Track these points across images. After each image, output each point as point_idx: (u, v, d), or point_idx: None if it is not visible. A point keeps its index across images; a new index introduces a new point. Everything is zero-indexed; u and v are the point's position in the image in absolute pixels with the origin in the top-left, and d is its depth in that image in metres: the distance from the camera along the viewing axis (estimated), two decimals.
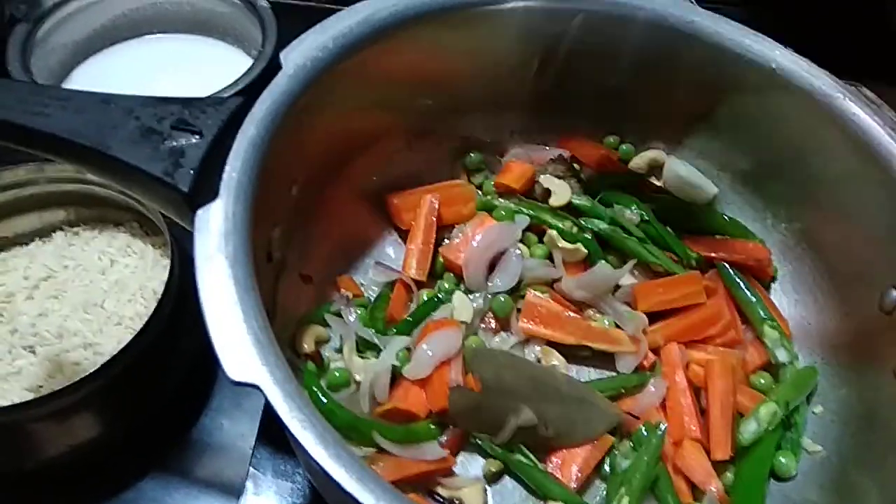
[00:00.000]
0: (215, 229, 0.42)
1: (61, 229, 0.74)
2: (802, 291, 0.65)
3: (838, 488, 0.54)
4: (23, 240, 0.73)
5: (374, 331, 0.61)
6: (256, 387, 0.38)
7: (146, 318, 0.62)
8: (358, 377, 0.58)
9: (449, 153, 0.70)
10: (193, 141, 0.47)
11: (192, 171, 0.46)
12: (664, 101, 0.64)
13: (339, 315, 0.63)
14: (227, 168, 0.45)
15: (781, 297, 0.66)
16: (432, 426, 0.57)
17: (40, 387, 0.65)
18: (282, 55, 0.51)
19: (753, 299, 0.63)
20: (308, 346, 0.59)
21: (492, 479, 0.58)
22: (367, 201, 0.67)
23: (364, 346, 0.62)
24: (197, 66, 0.92)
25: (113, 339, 0.67)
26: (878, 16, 0.84)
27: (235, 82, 0.80)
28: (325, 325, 0.62)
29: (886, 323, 0.54)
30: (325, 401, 0.56)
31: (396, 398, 0.58)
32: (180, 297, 0.65)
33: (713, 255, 0.66)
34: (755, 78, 0.57)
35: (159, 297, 0.63)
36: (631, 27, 0.59)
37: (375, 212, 0.68)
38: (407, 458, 0.54)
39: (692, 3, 0.58)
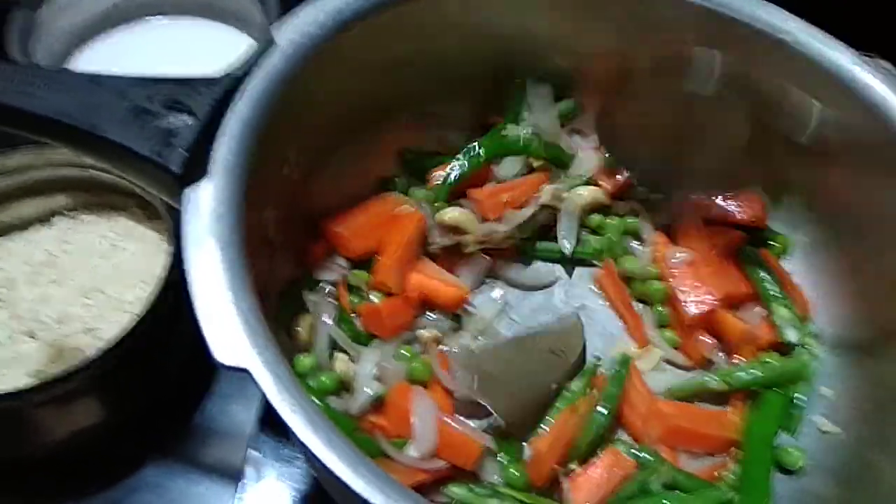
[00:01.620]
0: (205, 210, 0.41)
1: (62, 214, 0.74)
2: (817, 268, 0.63)
3: (851, 472, 0.52)
4: (23, 225, 0.73)
5: (349, 336, 0.59)
6: (246, 370, 0.37)
7: (147, 304, 0.61)
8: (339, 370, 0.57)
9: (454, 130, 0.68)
10: (186, 121, 0.46)
11: (183, 152, 0.45)
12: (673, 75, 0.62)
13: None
14: (217, 147, 0.44)
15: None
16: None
17: (41, 371, 0.64)
18: (274, 32, 0.50)
19: (763, 275, 0.62)
20: (303, 333, 0.58)
21: None
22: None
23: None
24: (199, 49, 0.91)
25: (114, 324, 0.67)
26: None
27: (235, 64, 0.79)
28: None
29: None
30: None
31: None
32: (182, 282, 0.64)
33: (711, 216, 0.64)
34: (770, 49, 0.55)
35: (161, 282, 0.63)
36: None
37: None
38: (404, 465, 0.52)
39: None
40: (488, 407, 0.55)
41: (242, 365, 0.37)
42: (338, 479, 0.35)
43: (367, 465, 0.35)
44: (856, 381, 0.57)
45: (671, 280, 0.62)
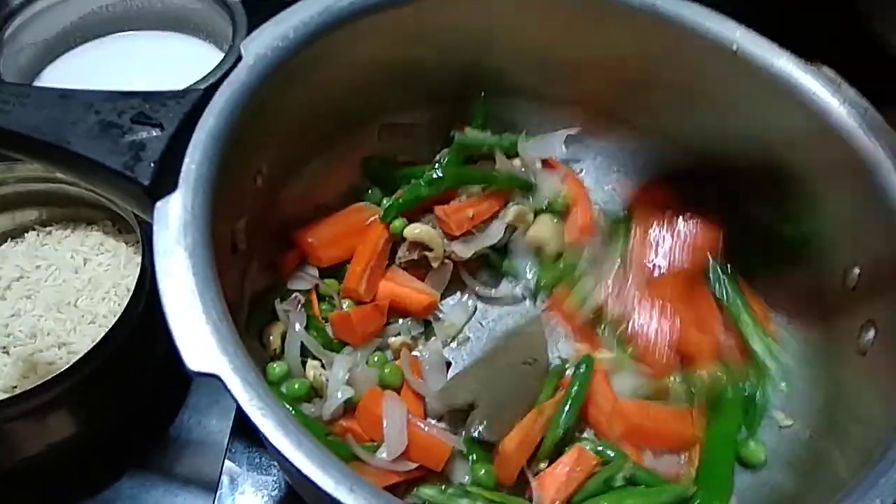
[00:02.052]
0: (174, 221, 0.42)
1: (33, 229, 0.74)
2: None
3: (806, 462, 0.54)
4: None
5: (321, 343, 0.60)
6: (216, 376, 0.38)
7: (119, 316, 0.62)
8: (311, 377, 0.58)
9: (423, 140, 0.70)
10: (154, 134, 0.47)
11: (152, 164, 0.46)
12: (626, 82, 0.64)
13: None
14: (186, 160, 0.45)
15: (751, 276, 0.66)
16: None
17: (14, 387, 0.65)
18: (242, 46, 0.51)
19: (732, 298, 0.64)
20: (274, 341, 0.59)
21: None
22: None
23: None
24: (169, 63, 0.92)
25: (87, 337, 0.67)
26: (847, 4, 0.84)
27: (206, 77, 0.80)
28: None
29: (851, 300, 0.55)
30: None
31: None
32: (153, 294, 0.65)
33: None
34: (717, 58, 0.57)
35: (132, 294, 0.63)
36: (592, 10, 0.59)
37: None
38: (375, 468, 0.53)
39: None
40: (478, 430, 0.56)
41: (213, 371, 0.38)
42: (309, 480, 0.36)
43: (337, 465, 0.36)
44: (808, 375, 0.59)
45: (630, 310, 0.62)
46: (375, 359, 0.60)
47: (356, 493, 0.35)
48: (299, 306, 0.60)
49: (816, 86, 0.55)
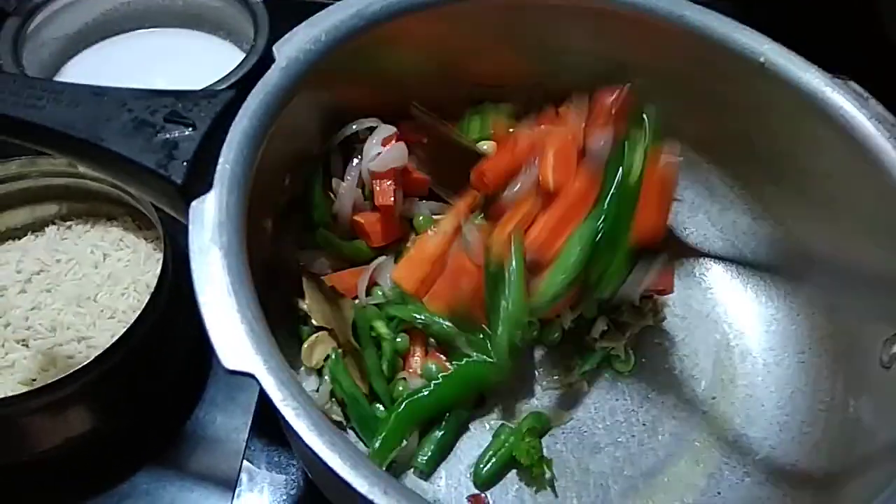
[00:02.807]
0: (209, 220, 0.43)
1: (54, 223, 0.74)
2: (792, 285, 0.65)
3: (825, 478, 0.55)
4: (15, 234, 0.73)
5: None
6: (251, 375, 0.38)
7: (139, 312, 0.62)
8: None
9: None
10: (187, 133, 0.48)
11: (185, 163, 0.46)
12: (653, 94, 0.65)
13: None
14: (221, 159, 0.45)
15: (771, 288, 0.66)
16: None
17: (34, 380, 0.65)
18: (275, 48, 0.51)
19: None
20: (316, 359, 0.59)
21: None
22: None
23: None
24: (189, 61, 0.92)
25: (106, 332, 0.67)
26: (869, 13, 0.85)
27: (227, 76, 0.80)
28: None
29: (873, 313, 0.55)
30: None
31: None
32: (173, 290, 0.65)
33: None
34: (744, 71, 0.58)
35: (152, 290, 0.63)
36: (617, 21, 0.59)
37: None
38: None
39: None
40: None
41: (248, 370, 0.38)
42: (343, 480, 0.36)
43: (370, 467, 0.37)
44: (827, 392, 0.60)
45: None
46: None
47: (389, 495, 0.36)
48: None
49: (844, 100, 0.55)
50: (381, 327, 0.60)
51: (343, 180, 0.62)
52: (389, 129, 0.61)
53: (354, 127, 0.61)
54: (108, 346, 0.60)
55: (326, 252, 0.63)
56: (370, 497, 0.35)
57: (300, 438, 0.37)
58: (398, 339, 0.61)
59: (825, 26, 0.76)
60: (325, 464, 0.36)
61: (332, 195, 0.62)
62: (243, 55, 0.85)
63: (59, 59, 0.89)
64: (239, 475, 0.63)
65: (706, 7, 0.60)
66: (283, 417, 0.37)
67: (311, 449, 0.37)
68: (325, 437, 0.37)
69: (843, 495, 0.49)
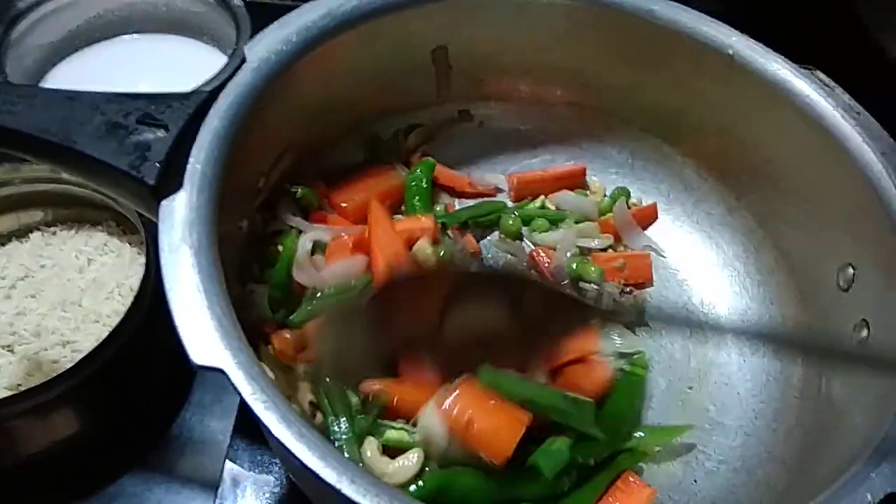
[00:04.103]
0: (179, 220, 0.43)
1: (38, 229, 0.74)
2: (765, 274, 0.66)
3: (800, 461, 0.55)
4: (0, 240, 0.74)
5: None
6: (220, 370, 0.38)
7: (123, 315, 0.63)
8: None
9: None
10: (159, 135, 0.48)
11: (157, 164, 0.47)
12: (624, 92, 0.66)
13: None
14: (192, 159, 0.46)
15: (745, 278, 0.67)
16: None
17: (19, 385, 0.65)
18: (246, 48, 0.52)
19: None
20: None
21: None
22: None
23: None
24: (173, 66, 0.92)
25: (91, 336, 0.68)
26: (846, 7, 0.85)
27: (210, 80, 0.81)
28: None
29: (843, 301, 0.56)
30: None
31: None
32: (157, 293, 0.65)
33: None
34: (714, 64, 0.58)
35: (136, 293, 0.64)
36: (584, 15, 0.60)
37: None
38: None
39: None
40: None
41: (217, 365, 0.38)
42: (310, 471, 0.36)
43: (338, 457, 0.37)
44: (801, 374, 0.61)
45: None
46: None
47: (357, 484, 0.36)
48: None
49: (810, 90, 0.56)
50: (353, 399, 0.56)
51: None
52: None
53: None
54: (92, 349, 0.61)
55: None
56: (338, 487, 0.36)
57: (270, 431, 0.37)
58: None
59: (798, 23, 0.76)
60: (293, 455, 0.37)
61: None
62: (226, 59, 0.86)
63: (43, 67, 0.89)
64: (221, 475, 0.63)
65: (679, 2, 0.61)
66: (253, 411, 0.38)
67: (280, 441, 0.37)
68: (293, 428, 0.37)
69: (817, 479, 0.49)
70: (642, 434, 0.58)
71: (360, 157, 0.68)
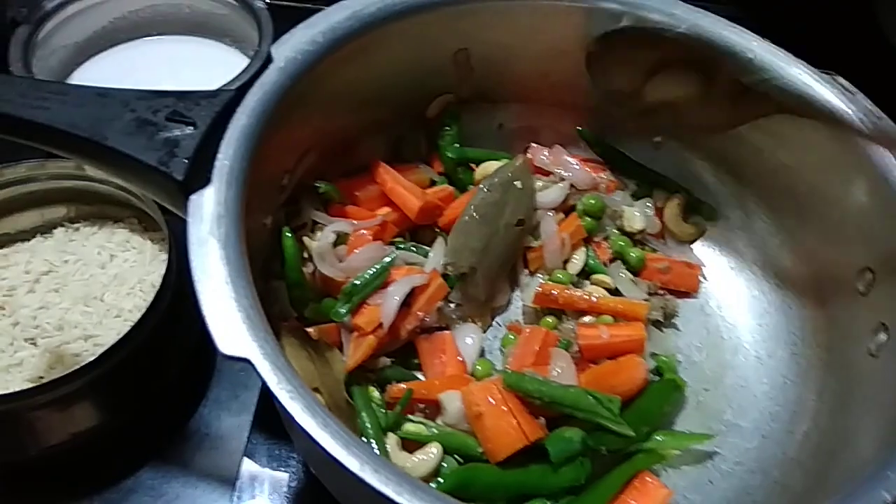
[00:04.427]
0: (208, 214, 0.44)
1: (62, 225, 0.75)
2: (781, 278, 0.66)
3: (817, 463, 0.55)
4: (24, 236, 0.75)
5: None
6: (247, 360, 0.39)
7: (144, 311, 0.63)
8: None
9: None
10: (187, 131, 0.49)
11: (186, 160, 0.48)
12: (642, 92, 0.66)
13: None
14: (220, 155, 0.47)
15: (762, 281, 0.67)
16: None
17: (41, 378, 0.66)
18: (272, 49, 0.53)
19: None
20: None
21: None
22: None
23: None
24: (196, 67, 0.93)
25: (112, 330, 0.68)
26: (866, 14, 0.86)
27: (232, 81, 0.82)
28: None
29: (861, 304, 0.56)
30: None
31: None
32: (178, 290, 0.67)
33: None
34: (734, 67, 0.59)
35: (157, 289, 0.65)
36: (604, 20, 0.61)
37: None
38: None
39: None
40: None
41: (244, 355, 0.39)
42: (334, 459, 0.37)
43: (361, 446, 0.38)
44: (819, 378, 0.61)
45: None
46: None
47: (380, 474, 0.37)
48: None
49: (831, 95, 0.56)
50: (375, 393, 0.59)
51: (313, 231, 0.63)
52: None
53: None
54: (113, 343, 0.62)
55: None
56: (361, 475, 0.37)
57: (294, 420, 0.38)
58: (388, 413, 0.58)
59: (821, 30, 0.77)
60: (317, 443, 0.37)
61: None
62: (248, 60, 0.87)
63: (69, 67, 0.90)
64: (239, 471, 0.64)
65: (701, 7, 0.61)
66: (278, 400, 0.38)
67: (304, 430, 0.38)
68: (318, 418, 0.38)
69: (833, 480, 0.49)
70: (661, 437, 0.58)
71: (384, 155, 0.68)
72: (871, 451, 0.45)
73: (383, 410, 0.57)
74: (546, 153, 0.71)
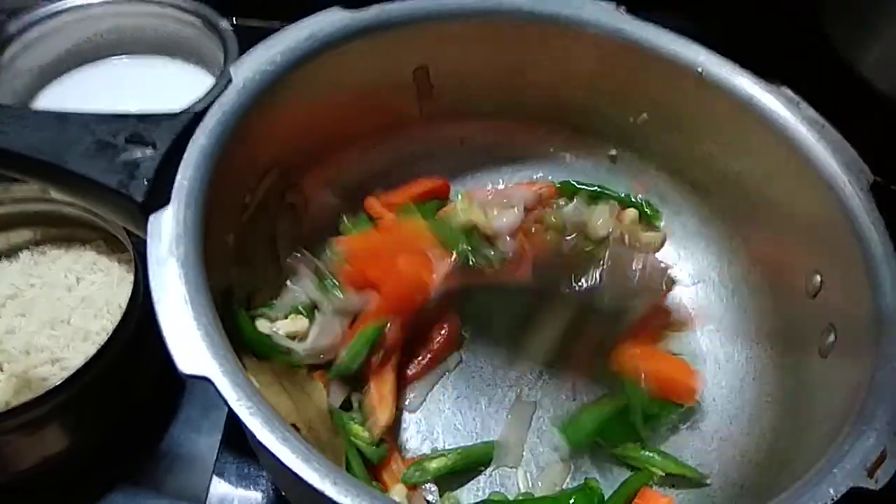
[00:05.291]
0: (166, 234, 0.45)
1: (28, 249, 0.75)
2: (737, 282, 0.68)
3: (772, 463, 0.57)
4: None
5: None
6: (206, 378, 0.40)
7: (112, 332, 0.63)
8: None
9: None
10: (148, 153, 0.50)
11: (146, 182, 0.48)
12: (599, 109, 0.68)
13: None
14: (178, 176, 0.47)
15: (719, 287, 0.69)
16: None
17: (8, 403, 0.66)
18: (231, 69, 0.54)
19: None
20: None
21: None
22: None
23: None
24: (162, 87, 0.94)
25: (80, 353, 0.68)
26: (813, 23, 0.88)
27: (198, 101, 0.82)
28: None
29: (811, 307, 0.58)
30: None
31: None
32: (145, 311, 0.66)
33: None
34: (683, 81, 0.61)
35: (124, 311, 0.65)
36: (558, 36, 0.62)
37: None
38: None
39: (622, 11, 0.61)
40: None
41: (203, 374, 0.40)
42: (293, 473, 0.38)
43: (320, 459, 0.38)
44: (774, 379, 0.62)
45: None
46: None
47: (339, 486, 0.37)
48: None
49: (776, 104, 0.58)
50: (361, 432, 0.59)
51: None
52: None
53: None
54: (81, 366, 0.61)
55: None
56: (321, 489, 0.37)
57: (254, 436, 0.39)
58: (377, 447, 0.59)
59: (767, 40, 0.79)
60: (277, 459, 0.38)
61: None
62: (214, 80, 0.87)
63: (33, 90, 0.90)
64: (208, 491, 0.64)
65: (648, 20, 0.63)
66: (238, 417, 0.39)
67: (264, 446, 0.38)
68: (277, 433, 0.39)
69: (785, 479, 0.51)
70: (654, 455, 0.60)
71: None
72: (820, 450, 0.46)
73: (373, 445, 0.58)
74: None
